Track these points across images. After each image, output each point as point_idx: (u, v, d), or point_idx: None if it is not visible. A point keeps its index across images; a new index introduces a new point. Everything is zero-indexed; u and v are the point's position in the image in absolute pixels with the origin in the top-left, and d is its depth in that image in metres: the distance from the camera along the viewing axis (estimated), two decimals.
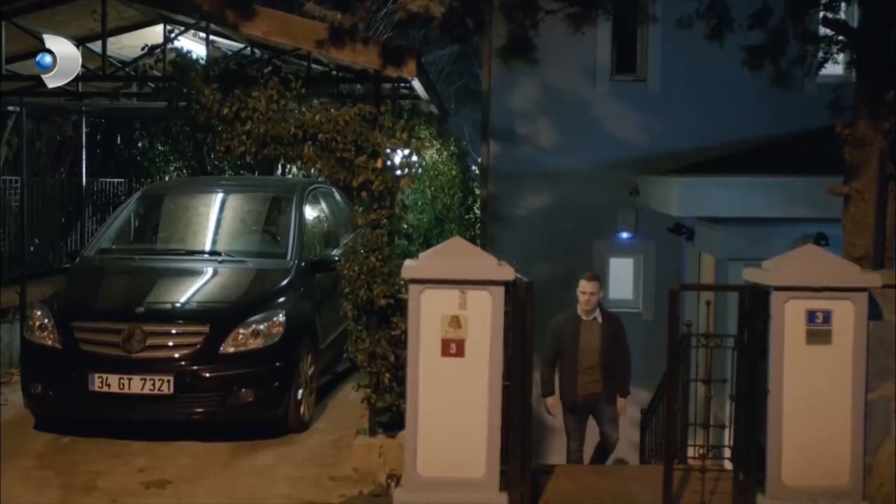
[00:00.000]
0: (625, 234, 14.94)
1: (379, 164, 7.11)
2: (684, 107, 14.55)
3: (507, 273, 6.55)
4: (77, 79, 8.89)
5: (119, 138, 14.11)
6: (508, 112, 14.78)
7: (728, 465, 7.33)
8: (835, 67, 10.54)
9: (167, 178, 14.48)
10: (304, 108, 7.16)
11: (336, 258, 9.24)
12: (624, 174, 14.65)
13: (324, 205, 10.14)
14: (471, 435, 6.52)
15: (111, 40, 9.18)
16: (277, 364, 7.89)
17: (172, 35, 8.29)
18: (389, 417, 7.49)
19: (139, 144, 14.45)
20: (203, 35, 8.91)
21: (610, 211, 14.72)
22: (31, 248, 10.98)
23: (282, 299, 8.25)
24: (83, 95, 9.50)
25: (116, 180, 13.62)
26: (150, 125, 14.43)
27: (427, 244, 9.26)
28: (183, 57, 7.47)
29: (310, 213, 9.59)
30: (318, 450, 7.89)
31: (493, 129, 14.82)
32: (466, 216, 13.80)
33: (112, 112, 12.62)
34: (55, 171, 12.99)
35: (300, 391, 8.13)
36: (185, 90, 7.26)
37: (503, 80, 14.53)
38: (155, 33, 9.15)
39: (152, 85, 8.33)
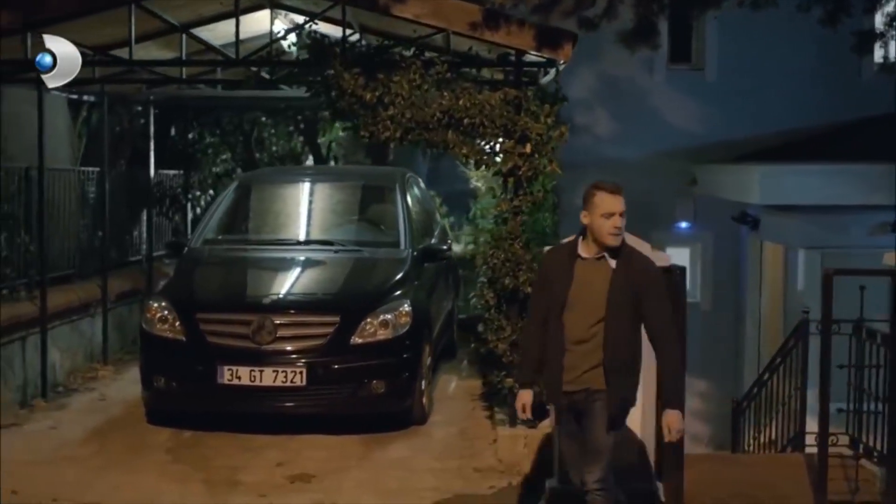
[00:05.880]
0: (683, 224, 14.88)
1: (528, 149, 6.98)
2: (741, 95, 14.55)
3: (664, 259, 6.50)
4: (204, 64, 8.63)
5: (173, 129, 13.87)
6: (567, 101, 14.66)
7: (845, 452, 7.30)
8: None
9: (213, 170, 14.32)
10: (446, 93, 7.00)
11: (444, 247, 9.11)
12: (680, 163, 14.66)
13: (417, 192, 9.99)
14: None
15: (208, 27, 9.00)
16: (405, 355, 7.73)
17: (305, 21, 8.07)
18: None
19: (189, 136, 14.22)
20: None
21: (667, 200, 14.66)
22: (105, 241, 10.73)
23: (404, 289, 8.07)
24: (177, 81, 9.30)
25: (173, 172, 13.38)
26: (202, 116, 14.19)
27: None
28: (319, 40, 7.27)
29: (409, 201, 9.42)
30: (449, 441, 7.75)
31: None
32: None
33: (170, 102, 12.35)
34: (115, 163, 12.76)
35: (423, 382, 7.99)
36: (322, 75, 7.11)
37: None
38: (255, 19, 8.97)
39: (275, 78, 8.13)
